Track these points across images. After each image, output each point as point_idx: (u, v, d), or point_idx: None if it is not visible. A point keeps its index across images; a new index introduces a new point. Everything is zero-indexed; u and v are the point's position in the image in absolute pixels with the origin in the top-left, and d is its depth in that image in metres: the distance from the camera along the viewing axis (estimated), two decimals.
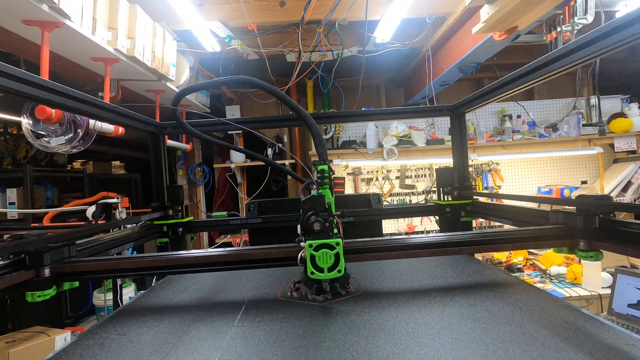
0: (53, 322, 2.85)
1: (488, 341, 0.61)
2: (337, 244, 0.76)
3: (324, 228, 0.78)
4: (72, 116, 2.01)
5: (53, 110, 1.79)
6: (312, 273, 0.77)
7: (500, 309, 0.74)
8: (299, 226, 0.87)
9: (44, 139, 1.94)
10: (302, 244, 0.83)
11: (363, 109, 3.50)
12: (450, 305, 0.78)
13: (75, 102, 1.08)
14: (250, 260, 0.92)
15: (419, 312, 0.75)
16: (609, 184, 3.65)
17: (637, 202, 3.31)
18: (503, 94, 1.32)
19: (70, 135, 2.08)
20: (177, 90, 2.98)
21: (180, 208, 1.63)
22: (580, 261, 3.07)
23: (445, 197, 1.67)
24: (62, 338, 2.37)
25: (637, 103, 3.63)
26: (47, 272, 0.87)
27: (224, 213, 4.10)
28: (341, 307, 0.81)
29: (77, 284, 0.93)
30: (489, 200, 1.88)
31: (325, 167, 0.92)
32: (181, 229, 1.60)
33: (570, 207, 1.00)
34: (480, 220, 3.37)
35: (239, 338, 0.69)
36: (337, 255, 0.76)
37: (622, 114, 3.64)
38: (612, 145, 3.63)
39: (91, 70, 2.35)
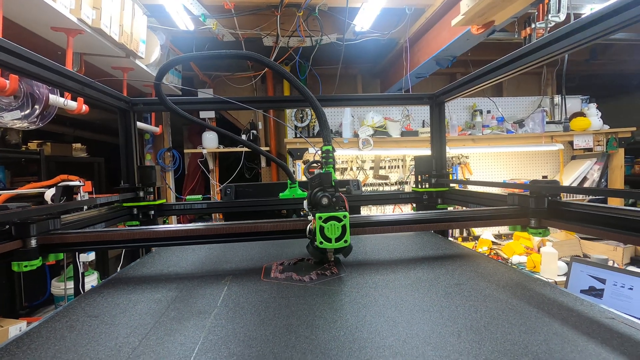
0: (5, 312, 2.65)
1: (477, 317, 0.62)
2: (345, 216, 0.84)
3: (331, 202, 0.86)
4: (29, 89, 1.84)
5: (7, 81, 1.63)
6: (321, 243, 0.83)
7: (484, 287, 0.76)
8: (305, 202, 0.94)
9: None
10: (309, 217, 0.90)
11: None
12: (436, 284, 0.78)
13: (37, 67, 0.98)
14: (258, 232, 0.96)
15: (406, 291, 0.75)
16: (567, 179, 3.89)
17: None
18: (483, 84, 1.35)
19: (27, 111, 1.91)
20: (146, 68, 2.82)
21: (151, 190, 1.55)
22: (539, 250, 3.25)
23: (423, 184, 1.70)
24: (16, 329, 2.21)
25: (595, 104, 3.86)
26: (33, 242, 0.87)
27: (199, 196, 3.98)
28: (328, 287, 0.80)
29: (61, 256, 0.96)
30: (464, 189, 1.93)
31: (329, 147, 0.96)
32: (153, 212, 1.52)
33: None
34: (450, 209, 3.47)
35: (223, 318, 0.66)
36: (344, 227, 0.84)
37: (581, 114, 3.86)
38: (571, 143, 3.85)
39: (51, 42, 2.16)
